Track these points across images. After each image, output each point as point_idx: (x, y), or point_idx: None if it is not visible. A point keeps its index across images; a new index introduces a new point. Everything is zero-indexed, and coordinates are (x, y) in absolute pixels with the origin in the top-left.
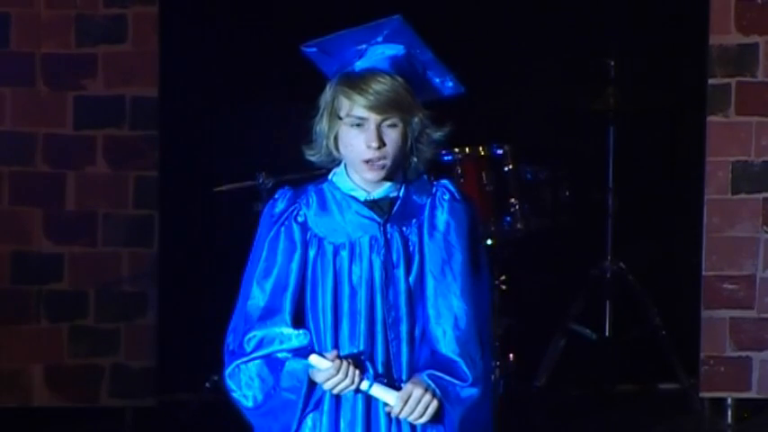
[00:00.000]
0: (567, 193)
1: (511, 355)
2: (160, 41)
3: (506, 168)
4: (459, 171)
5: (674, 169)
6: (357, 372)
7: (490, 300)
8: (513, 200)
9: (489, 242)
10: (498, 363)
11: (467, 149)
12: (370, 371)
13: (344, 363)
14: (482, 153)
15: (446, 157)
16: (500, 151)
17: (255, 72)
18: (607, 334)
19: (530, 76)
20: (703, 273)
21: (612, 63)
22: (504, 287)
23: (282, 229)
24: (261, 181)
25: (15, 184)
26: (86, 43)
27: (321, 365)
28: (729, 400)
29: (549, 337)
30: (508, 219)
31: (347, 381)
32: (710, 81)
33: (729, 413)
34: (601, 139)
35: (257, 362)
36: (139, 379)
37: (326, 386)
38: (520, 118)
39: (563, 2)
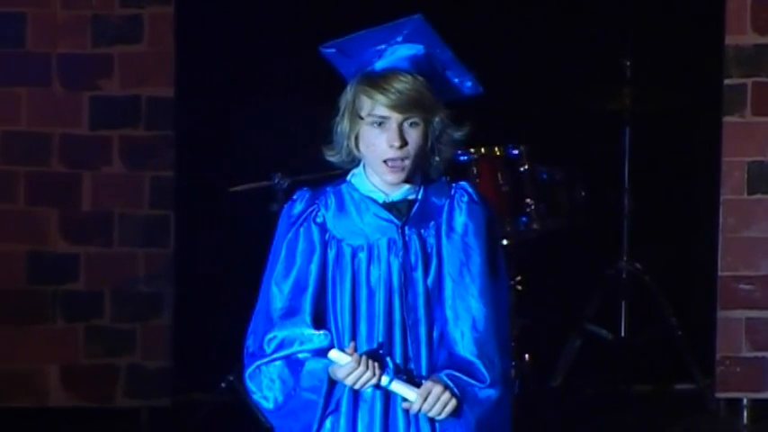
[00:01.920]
0: (583, 194)
1: (527, 356)
2: (176, 42)
3: (522, 169)
4: (475, 171)
5: (690, 170)
6: (377, 365)
7: (508, 302)
8: (528, 200)
9: (505, 242)
10: (514, 363)
11: (483, 149)
12: (390, 365)
13: (364, 357)
14: (498, 153)
15: (462, 157)
16: (516, 151)
17: (271, 72)
18: (623, 334)
19: (546, 76)
20: (719, 273)
21: (628, 63)
22: (519, 287)
23: (301, 230)
24: (276, 181)
25: (31, 185)
26: (102, 43)
27: (341, 360)
28: (745, 401)
29: (564, 338)
30: (524, 219)
31: (368, 374)
32: (726, 81)
33: (745, 413)
34: (617, 139)
35: (278, 363)
36: (155, 379)
37: (348, 381)
38: (536, 118)
39: (579, 2)
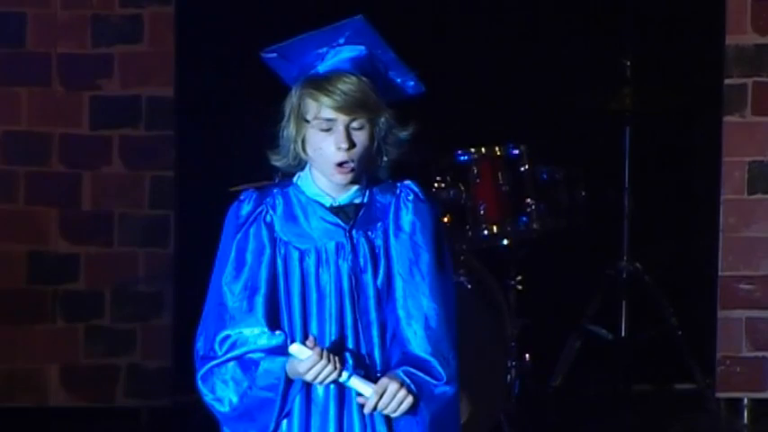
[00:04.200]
0: (583, 194)
1: (527, 356)
2: (176, 41)
3: (522, 168)
4: (476, 171)
5: (691, 169)
6: (338, 359)
7: (455, 299)
8: (529, 200)
9: (505, 242)
10: (514, 363)
11: (483, 149)
12: (350, 361)
13: (326, 350)
14: (498, 153)
15: (462, 157)
16: (516, 151)
17: (271, 71)
18: (623, 334)
19: (546, 76)
20: (719, 273)
21: (629, 63)
22: (519, 287)
23: (251, 230)
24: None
25: (31, 185)
26: (102, 43)
27: (302, 354)
28: (745, 401)
29: (564, 338)
30: (524, 219)
31: (330, 367)
32: (727, 81)
33: (745, 413)
34: (617, 139)
35: (230, 364)
36: (155, 379)
37: (309, 375)
38: (536, 118)
39: (580, 2)
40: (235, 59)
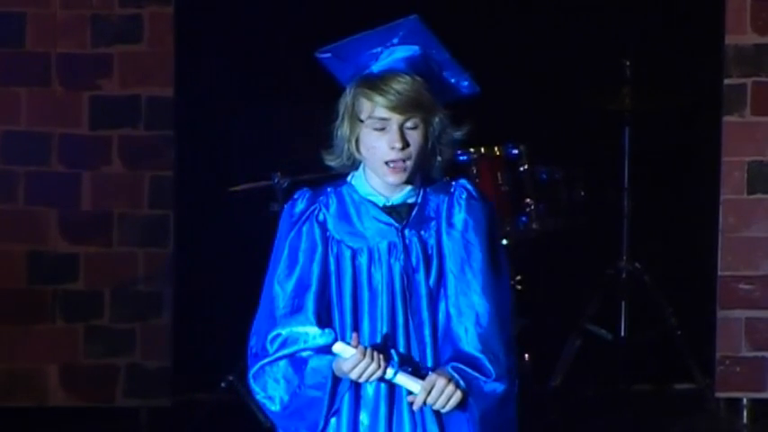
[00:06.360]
0: (583, 194)
1: (526, 355)
2: (175, 41)
3: (522, 168)
4: (475, 171)
5: (690, 169)
6: (382, 357)
7: (510, 298)
8: (528, 200)
9: (505, 242)
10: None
11: (482, 149)
12: (395, 358)
13: (369, 349)
14: (497, 153)
15: (462, 157)
16: (515, 151)
17: (271, 72)
18: (623, 334)
19: (545, 75)
20: (719, 273)
21: (628, 63)
22: (519, 287)
23: (304, 228)
24: (276, 181)
25: (31, 184)
26: (102, 43)
27: (345, 353)
28: (745, 401)
29: (564, 337)
30: (524, 219)
31: (374, 365)
32: (726, 81)
33: (745, 413)
34: (616, 139)
35: (282, 362)
36: (155, 379)
37: (353, 374)
38: (535, 118)
39: (579, 2)
40: (235, 59)
